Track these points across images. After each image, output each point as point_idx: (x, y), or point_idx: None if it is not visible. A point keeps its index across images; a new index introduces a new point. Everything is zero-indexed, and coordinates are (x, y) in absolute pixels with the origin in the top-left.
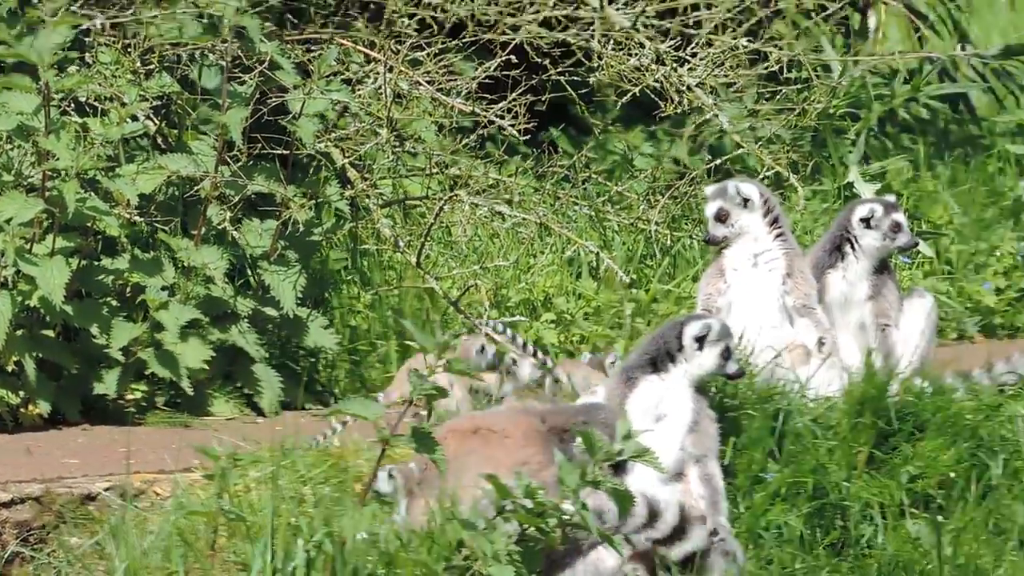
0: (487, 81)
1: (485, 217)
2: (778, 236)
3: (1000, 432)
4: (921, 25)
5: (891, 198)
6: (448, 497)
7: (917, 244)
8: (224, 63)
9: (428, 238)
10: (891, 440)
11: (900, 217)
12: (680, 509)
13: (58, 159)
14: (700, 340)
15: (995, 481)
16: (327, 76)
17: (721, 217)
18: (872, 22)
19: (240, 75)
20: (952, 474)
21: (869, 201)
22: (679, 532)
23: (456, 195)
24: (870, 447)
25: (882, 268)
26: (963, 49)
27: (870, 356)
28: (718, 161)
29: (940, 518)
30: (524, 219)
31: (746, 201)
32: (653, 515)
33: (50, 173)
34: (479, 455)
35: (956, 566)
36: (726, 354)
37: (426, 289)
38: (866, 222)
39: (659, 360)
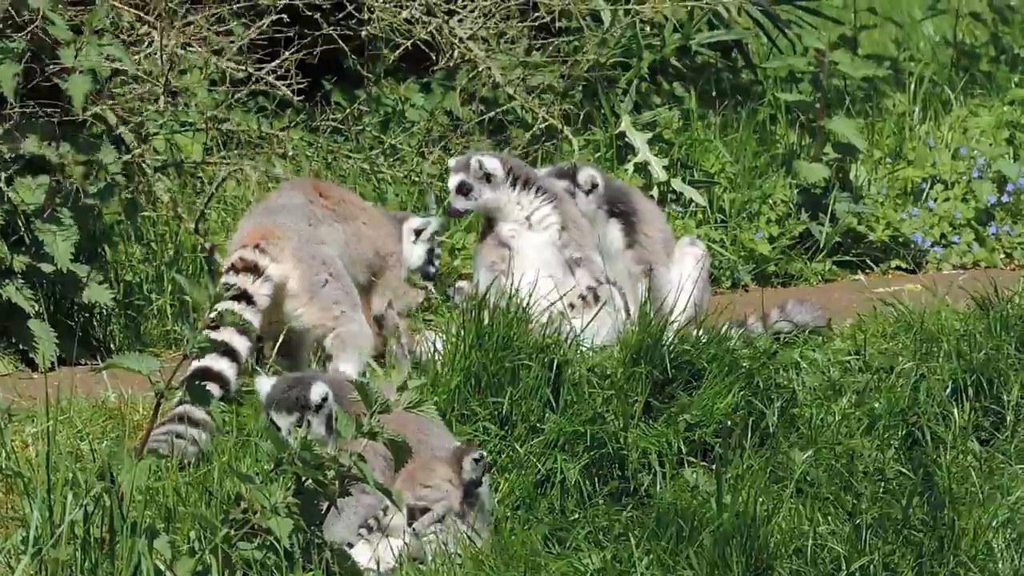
0: (259, 40)
1: (262, 179)
2: (539, 193)
3: (776, 380)
4: None
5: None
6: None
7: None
8: None
9: (207, 206)
10: (667, 389)
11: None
12: None
13: None
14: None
15: (772, 428)
16: (100, 32)
17: (463, 190)
18: None
19: (11, 33)
20: (729, 422)
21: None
22: None
23: (239, 165)
24: (646, 396)
25: (627, 215)
26: None
27: (645, 305)
28: (491, 113)
29: (718, 466)
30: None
31: (488, 176)
32: None
33: None
34: None
35: (735, 513)
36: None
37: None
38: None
39: None
